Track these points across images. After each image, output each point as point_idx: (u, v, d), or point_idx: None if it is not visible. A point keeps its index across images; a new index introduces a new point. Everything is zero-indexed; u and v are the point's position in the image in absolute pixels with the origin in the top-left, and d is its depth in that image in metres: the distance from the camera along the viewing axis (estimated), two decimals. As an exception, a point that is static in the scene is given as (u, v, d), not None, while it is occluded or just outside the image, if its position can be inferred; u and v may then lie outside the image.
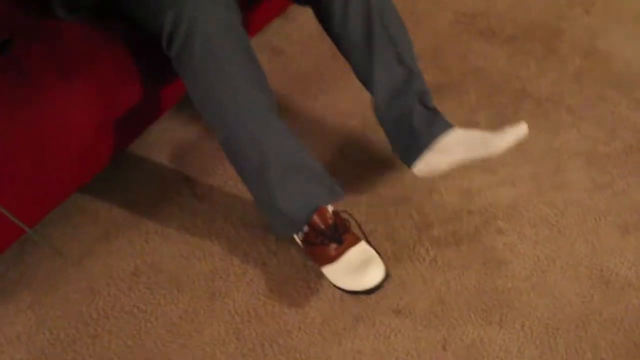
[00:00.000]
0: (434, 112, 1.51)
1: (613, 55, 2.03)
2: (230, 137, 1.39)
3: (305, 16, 1.99)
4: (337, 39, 1.53)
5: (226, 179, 1.72)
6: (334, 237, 1.41)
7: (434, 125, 1.49)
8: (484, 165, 1.70)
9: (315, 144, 1.73)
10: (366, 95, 1.58)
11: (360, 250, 1.43)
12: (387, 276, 1.43)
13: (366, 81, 1.53)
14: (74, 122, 1.36)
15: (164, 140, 1.80)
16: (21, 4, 1.50)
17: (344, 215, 1.46)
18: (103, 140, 1.47)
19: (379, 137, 1.66)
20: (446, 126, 1.50)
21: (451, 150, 1.49)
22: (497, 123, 1.77)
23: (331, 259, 1.42)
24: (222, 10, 1.35)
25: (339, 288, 1.44)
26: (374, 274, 1.41)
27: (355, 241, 1.44)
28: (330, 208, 1.44)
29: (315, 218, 1.40)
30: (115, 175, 1.70)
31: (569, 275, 1.52)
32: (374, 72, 1.50)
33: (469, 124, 1.78)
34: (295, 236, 1.47)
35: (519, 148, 1.68)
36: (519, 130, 1.46)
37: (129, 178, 1.72)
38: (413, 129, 1.50)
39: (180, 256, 1.57)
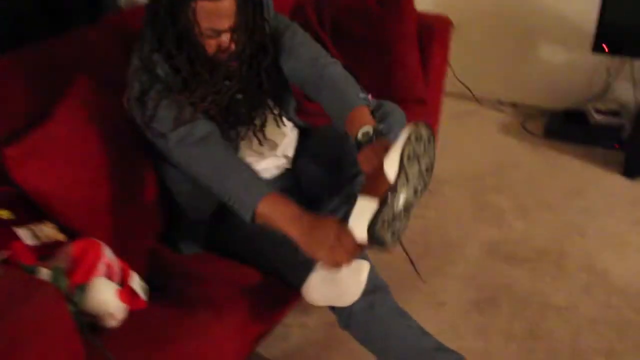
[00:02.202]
0: None
1: (609, 270, 2.38)
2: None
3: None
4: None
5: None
6: None
7: None
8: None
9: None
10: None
11: None
12: None
13: None
14: (224, 349, 1.58)
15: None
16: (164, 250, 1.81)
17: None
18: (240, 356, 1.69)
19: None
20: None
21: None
22: (528, 333, 2.08)
23: None
24: None
25: None
26: None
27: None
28: None
29: None
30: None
31: None
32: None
33: (506, 335, 2.08)
34: None
35: (550, 353, 1.99)
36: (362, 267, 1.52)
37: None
38: None
39: None
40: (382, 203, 1.41)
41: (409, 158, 1.40)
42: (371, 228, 1.41)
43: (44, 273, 1.40)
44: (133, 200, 1.76)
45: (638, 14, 2.89)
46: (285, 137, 1.89)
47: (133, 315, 1.53)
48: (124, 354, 1.41)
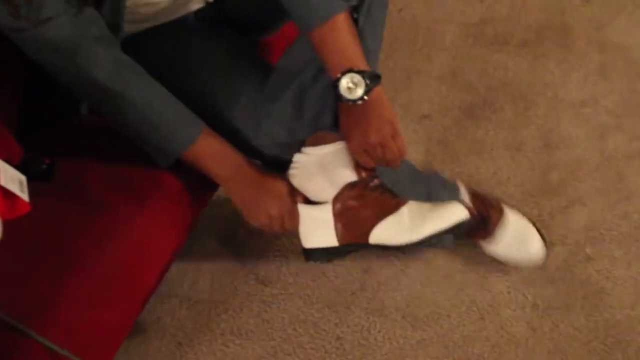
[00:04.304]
0: None
1: (627, 43, 1.96)
2: None
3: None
4: None
5: (287, 253, 1.53)
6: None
7: None
8: (547, 188, 1.59)
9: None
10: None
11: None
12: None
13: None
14: (156, 248, 1.24)
15: (212, 226, 1.59)
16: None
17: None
18: (175, 253, 1.30)
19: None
20: None
21: None
22: (541, 142, 1.71)
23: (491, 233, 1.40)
24: None
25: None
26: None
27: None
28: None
29: None
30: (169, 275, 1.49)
31: (675, 293, 1.41)
32: None
33: (514, 147, 1.71)
34: None
35: (575, 163, 1.64)
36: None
37: (185, 274, 1.50)
38: None
39: (267, 356, 1.37)
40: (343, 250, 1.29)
41: None
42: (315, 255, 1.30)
43: None
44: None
45: None
46: None
47: (14, 227, 1.08)
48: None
